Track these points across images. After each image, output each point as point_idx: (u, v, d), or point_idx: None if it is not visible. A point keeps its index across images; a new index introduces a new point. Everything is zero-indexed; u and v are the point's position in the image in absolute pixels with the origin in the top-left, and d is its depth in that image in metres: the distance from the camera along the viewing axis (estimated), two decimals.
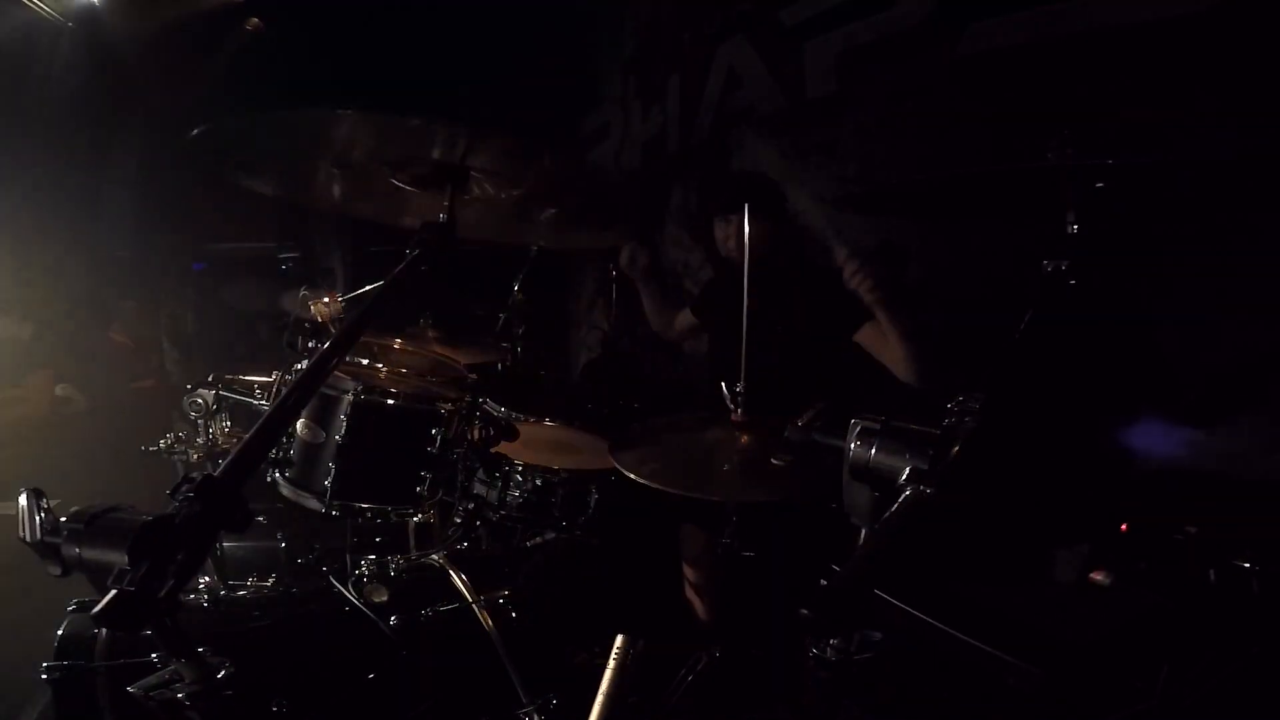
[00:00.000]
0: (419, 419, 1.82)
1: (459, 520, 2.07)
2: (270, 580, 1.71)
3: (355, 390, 1.74)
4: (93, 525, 0.73)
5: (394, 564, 1.66)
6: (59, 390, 3.89)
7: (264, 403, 1.90)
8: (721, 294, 2.48)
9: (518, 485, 2.04)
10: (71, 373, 3.89)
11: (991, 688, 1.17)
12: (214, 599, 1.44)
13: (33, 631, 1.47)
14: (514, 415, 2.13)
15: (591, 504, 2.09)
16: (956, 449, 0.68)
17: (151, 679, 0.75)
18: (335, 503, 1.74)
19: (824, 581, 0.59)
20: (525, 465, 2.03)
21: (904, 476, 0.68)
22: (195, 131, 1.07)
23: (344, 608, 1.45)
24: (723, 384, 1.46)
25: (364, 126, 1.08)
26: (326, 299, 1.94)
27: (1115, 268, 0.92)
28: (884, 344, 2.08)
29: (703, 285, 2.70)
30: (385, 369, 2.04)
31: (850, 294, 2.12)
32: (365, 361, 2.07)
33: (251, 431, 0.79)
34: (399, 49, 4.94)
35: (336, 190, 1.30)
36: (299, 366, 1.85)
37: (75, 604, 1.26)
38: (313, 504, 1.77)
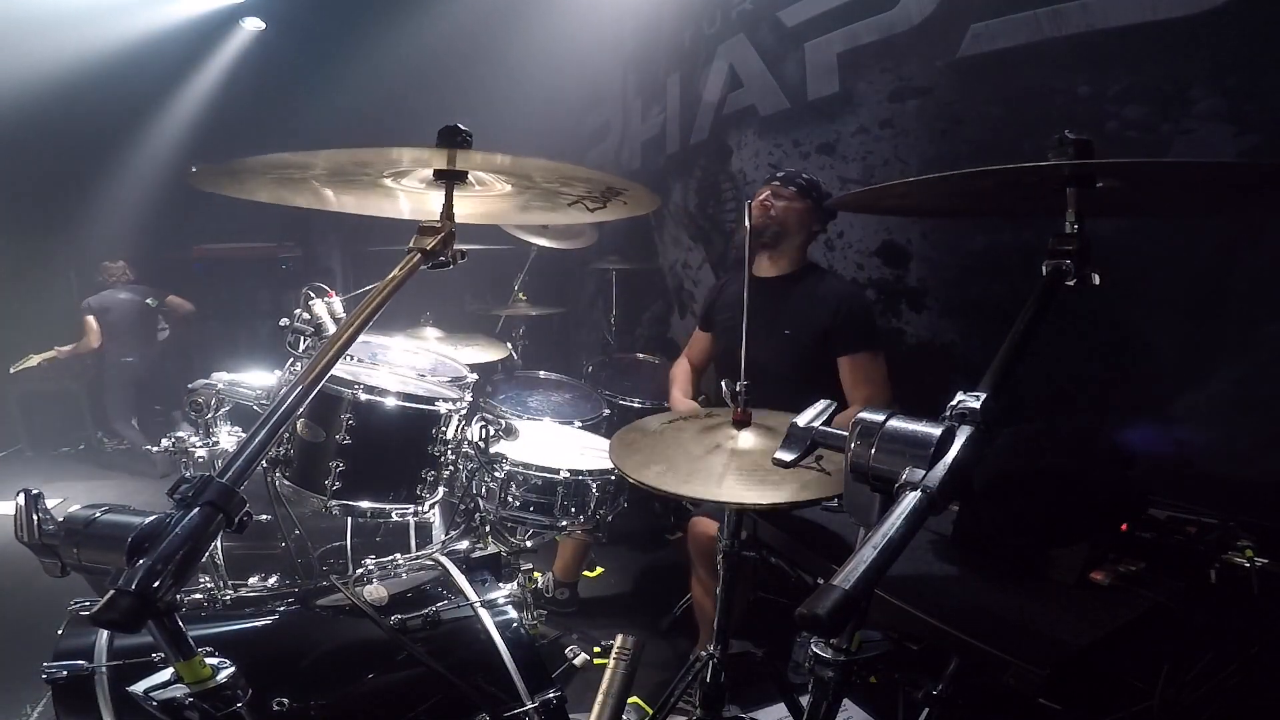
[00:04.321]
0: (419, 418, 1.83)
1: (459, 520, 2.07)
2: (270, 580, 1.71)
3: (356, 390, 1.74)
4: (91, 526, 0.73)
5: (394, 564, 1.66)
6: None
7: (265, 402, 1.90)
8: (731, 295, 2.47)
9: (518, 485, 2.04)
10: None
11: (991, 688, 1.17)
12: (214, 599, 1.44)
13: (33, 631, 1.48)
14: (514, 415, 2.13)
15: (591, 504, 2.10)
16: (956, 450, 0.68)
17: (151, 679, 0.75)
18: (336, 502, 1.75)
19: (823, 581, 0.59)
20: (525, 465, 2.04)
21: (903, 477, 0.67)
22: (194, 169, 1.10)
23: (344, 608, 1.45)
24: (723, 382, 1.46)
25: (348, 157, 1.09)
26: (327, 299, 1.93)
27: (1114, 268, 0.92)
28: (855, 381, 2.14)
29: (708, 295, 2.69)
30: (385, 369, 2.04)
31: (847, 317, 2.14)
32: (365, 361, 2.07)
33: (251, 431, 0.79)
34: (399, 50, 4.94)
35: (334, 196, 1.31)
36: (299, 366, 1.85)
37: (75, 604, 1.26)
38: (313, 504, 1.77)
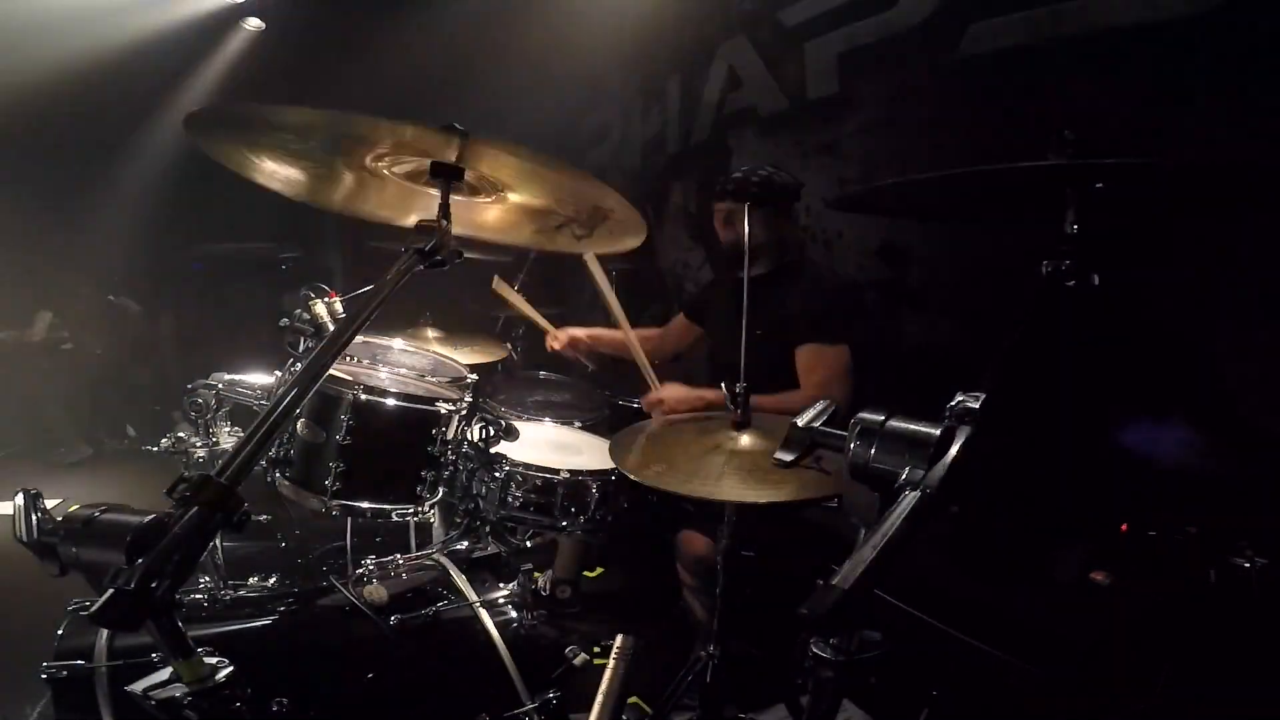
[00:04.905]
0: (419, 419, 1.83)
1: (459, 520, 2.07)
2: (270, 580, 1.71)
3: (355, 390, 1.74)
4: (90, 525, 0.73)
5: (394, 564, 1.66)
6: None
7: (265, 402, 1.90)
8: (721, 295, 2.48)
9: (518, 485, 2.04)
10: None
11: (991, 688, 1.17)
12: (214, 599, 1.44)
13: (33, 631, 1.47)
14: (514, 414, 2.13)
15: (591, 504, 2.09)
16: (956, 450, 0.68)
17: (151, 679, 0.75)
18: (336, 503, 1.75)
19: (823, 581, 0.59)
20: (525, 465, 2.04)
21: (903, 477, 0.67)
22: (191, 111, 1.09)
23: (344, 608, 1.45)
24: (722, 384, 1.46)
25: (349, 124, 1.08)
26: (327, 299, 1.93)
27: (1113, 268, 0.92)
28: (803, 370, 2.10)
29: (701, 287, 2.69)
30: (385, 369, 2.04)
31: (804, 309, 2.14)
32: (366, 361, 2.07)
33: (250, 431, 0.79)
34: (399, 51, 4.94)
35: (334, 191, 1.31)
36: (299, 366, 1.85)
37: (75, 604, 1.26)
38: (313, 504, 1.77)
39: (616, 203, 1.20)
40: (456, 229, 1.19)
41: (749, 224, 2.06)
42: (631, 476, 1.32)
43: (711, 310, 2.48)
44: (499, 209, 1.27)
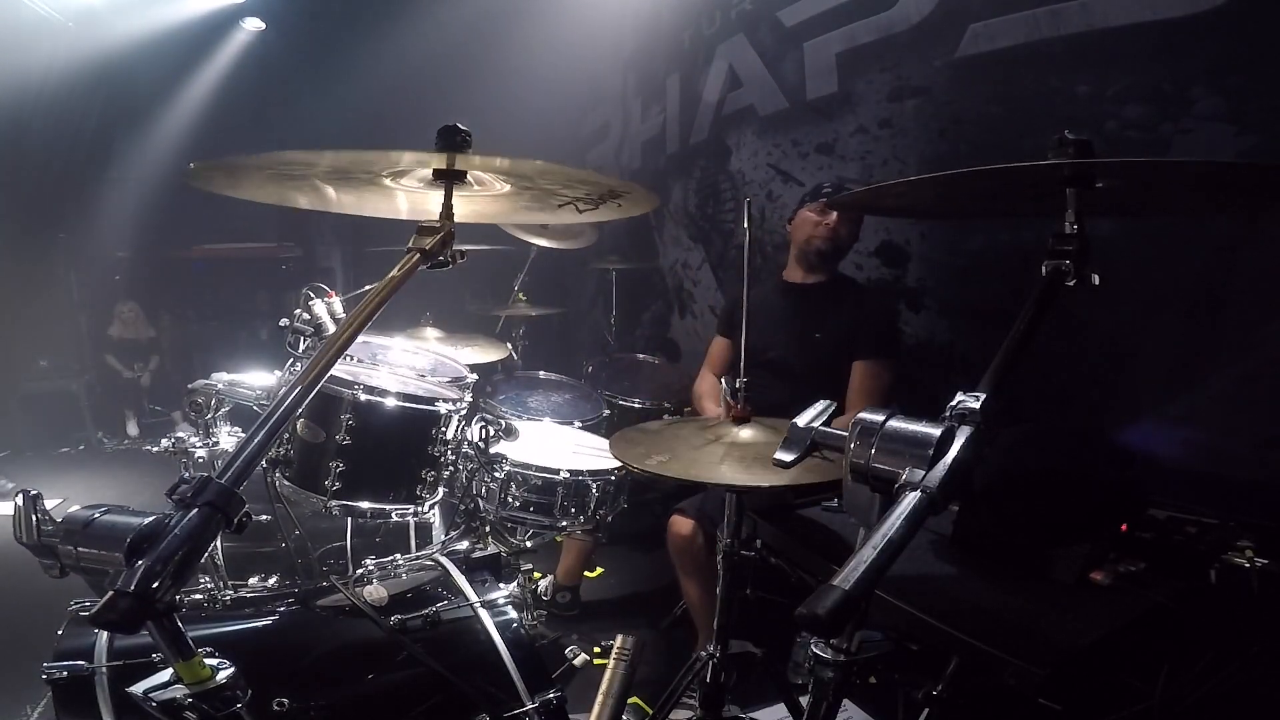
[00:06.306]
0: (419, 419, 1.83)
1: (459, 520, 2.07)
2: (270, 580, 1.71)
3: (356, 390, 1.74)
4: (90, 526, 0.73)
5: (394, 564, 1.66)
6: None
7: (265, 402, 1.90)
8: (756, 300, 2.43)
9: (518, 485, 2.04)
10: None
11: (991, 688, 1.17)
12: (214, 599, 1.44)
13: (33, 631, 1.48)
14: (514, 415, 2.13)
15: (591, 504, 2.10)
16: (956, 449, 0.68)
17: (151, 679, 0.75)
18: (336, 503, 1.75)
19: (823, 581, 0.59)
20: (525, 465, 2.04)
21: (903, 477, 0.67)
22: (191, 165, 1.10)
23: (344, 608, 1.45)
24: (723, 379, 1.46)
25: (348, 159, 1.09)
26: (327, 299, 1.93)
27: (1114, 268, 0.92)
28: (860, 389, 2.18)
29: (730, 300, 2.72)
30: (385, 369, 2.04)
31: (872, 321, 2.22)
32: (366, 361, 2.07)
33: (251, 431, 0.79)
34: (399, 49, 4.94)
35: (333, 195, 1.30)
36: (299, 366, 1.85)
37: (75, 604, 1.26)
38: (313, 504, 1.77)
39: (629, 187, 1.20)
40: (465, 217, 1.19)
41: (844, 228, 2.29)
42: (634, 467, 1.32)
43: (757, 311, 2.48)
44: (507, 193, 1.27)
